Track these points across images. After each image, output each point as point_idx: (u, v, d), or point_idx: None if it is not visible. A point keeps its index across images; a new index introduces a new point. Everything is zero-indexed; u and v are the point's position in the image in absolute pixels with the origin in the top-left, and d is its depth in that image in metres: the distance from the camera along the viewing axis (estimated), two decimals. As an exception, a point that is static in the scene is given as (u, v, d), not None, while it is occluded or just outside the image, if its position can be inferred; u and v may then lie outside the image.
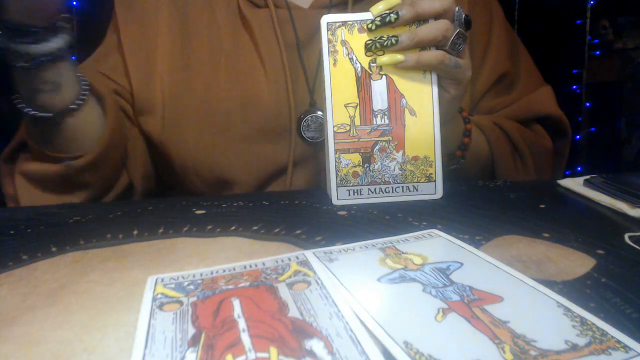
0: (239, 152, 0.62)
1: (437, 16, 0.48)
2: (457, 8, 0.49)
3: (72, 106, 0.56)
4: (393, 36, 0.47)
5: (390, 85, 0.49)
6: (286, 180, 0.63)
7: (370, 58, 0.49)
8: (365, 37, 0.48)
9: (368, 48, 0.48)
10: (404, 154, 0.50)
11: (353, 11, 0.64)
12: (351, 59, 0.49)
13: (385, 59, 0.48)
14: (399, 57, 0.48)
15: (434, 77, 0.49)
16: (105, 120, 0.60)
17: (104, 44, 0.71)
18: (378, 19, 0.47)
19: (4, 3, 0.48)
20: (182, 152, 0.64)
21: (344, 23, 0.49)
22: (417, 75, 0.49)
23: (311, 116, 0.63)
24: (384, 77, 0.49)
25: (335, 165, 0.50)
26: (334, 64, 0.49)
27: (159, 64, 0.65)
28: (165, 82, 0.64)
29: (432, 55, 0.48)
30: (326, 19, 0.49)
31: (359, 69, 0.49)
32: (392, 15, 0.47)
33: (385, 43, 0.47)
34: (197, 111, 0.63)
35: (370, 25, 0.48)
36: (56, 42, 0.52)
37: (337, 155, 0.49)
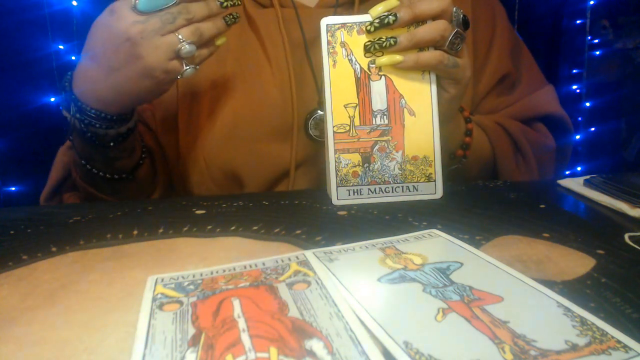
0: (248, 151, 0.62)
1: (435, 17, 0.48)
2: (454, 8, 0.49)
3: (140, 162, 0.61)
4: (392, 37, 0.47)
5: (390, 85, 0.49)
6: (289, 180, 0.63)
7: (369, 59, 0.49)
8: (364, 38, 0.48)
9: (367, 49, 0.48)
10: (403, 153, 0.50)
11: (359, 10, 0.64)
12: (350, 60, 0.49)
13: (384, 59, 0.48)
14: (398, 57, 0.48)
15: (433, 77, 0.49)
16: (155, 165, 0.66)
17: None
18: (377, 20, 0.47)
19: (101, 97, 0.52)
20: (197, 155, 0.64)
21: (343, 25, 0.49)
22: (416, 75, 0.49)
23: (320, 114, 0.63)
24: (383, 77, 0.49)
25: (335, 165, 0.50)
26: (334, 65, 0.49)
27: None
28: (179, 92, 0.65)
29: (431, 55, 0.48)
30: (325, 20, 0.49)
31: (358, 69, 0.49)
32: (390, 17, 0.47)
33: (384, 44, 0.47)
34: (206, 113, 0.63)
35: (369, 27, 0.48)
36: (133, 120, 0.57)
37: (337, 156, 0.50)
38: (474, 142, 0.61)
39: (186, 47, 0.48)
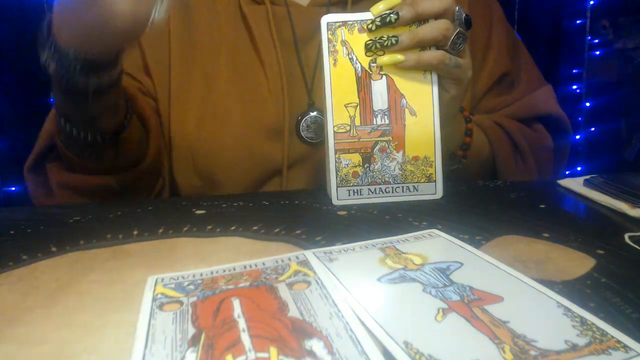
0: (237, 148, 0.62)
1: (437, 16, 0.48)
2: (457, 7, 0.49)
3: (124, 125, 0.55)
4: (393, 36, 0.47)
5: (391, 85, 0.49)
6: (282, 181, 0.63)
7: (370, 58, 0.49)
8: (365, 37, 0.48)
9: (368, 48, 0.48)
10: (404, 154, 0.50)
11: (352, 10, 0.64)
12: (351, 59, 0.49)
13: (385, 58, 0.48)
14: (399, 57, 0.48)
15: (434, 77, 0.49)
16: (149, 131, 0.60)
17: None
18: (378, 19, 0.47)
19: (79, 35, 0.45)
20: (184, 143, 0.63)
21: (344, 23, 0.49)
22: (417, 75, 0.49)
23: (311, 116, 0.63)
24: (384, 77, 0.49)
25: (336, 166, 0.50)
26: (334, 64, 0.49)
27: (171, 57, 0.65)
28: (173, 74, 0.65)
29: (432, 55, 0.48)
30: (326, 19, 0.49)
31: (359, 69, 0.49)
32: (392, 15, 0.47)
33: (386, 43, 0.47)
34: (197, 102, 0.63)
35: (370, 26, 0.48)
36: (119, 69, 0.50)
37: (337, 156, 0.49)
38: (473, 142, 0.61)
39: None
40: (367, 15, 0.48)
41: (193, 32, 0.65)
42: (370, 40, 0.48)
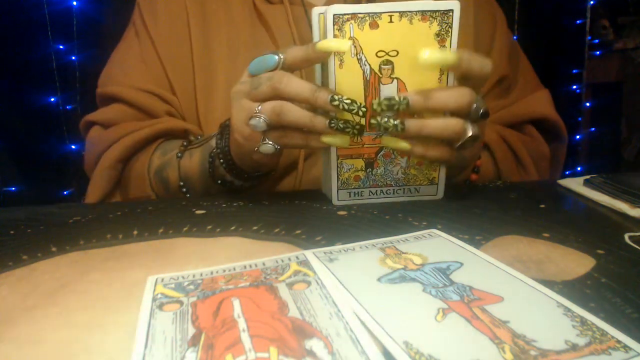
0: None
1: (451, 111, 0.44)
2: (475, 105, 0.44)
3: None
4: (400, 123, 0.43)
5: (402, 90, 0.45)
6: (297, 175, 0.63)
7: (381, 59, 0.43)
8: (377, 34, 0.43)
9: (371, 128, 0.45)
10: (408, 159, 0.48)
11: None
12: (360, 60, 0.43)
13: (388, 141, 0.45)
14: (405, 144, 0.44)
15: (450, 83, 0.45)
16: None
17: (132, 52, 0.70)
18: (385, 103, 0.42)
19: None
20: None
21: (354, 16, 0.42)
22: (431, 80, 0.45)
23: None
24: (394, 81, 0.44)
25: (337, 170, 0.48)
26: (340, 65, 0.43)
27: (194, 70, 0.67)
28: (197, 86, 0.66)
29: (439, 153, 0.45)
30: (332, 10, 0.42)
31: (368, 71, 0.44)
32: (402, 102, 0.42)
33: (390, 130, 0.43)
34: (221, 107, 0.65)
35: (375, 107, 0.43)
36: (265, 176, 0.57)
37: (339, 161, 0.48)
38: (482, 167, 0.60)
39: (254, 120, 0.44)
40: (380, 8, 0.42)
41: (211, 41, 0.67)
42: (374, 120, 0.43)
